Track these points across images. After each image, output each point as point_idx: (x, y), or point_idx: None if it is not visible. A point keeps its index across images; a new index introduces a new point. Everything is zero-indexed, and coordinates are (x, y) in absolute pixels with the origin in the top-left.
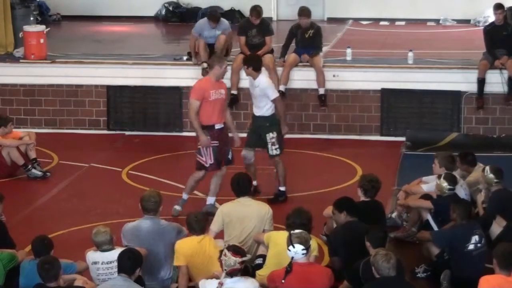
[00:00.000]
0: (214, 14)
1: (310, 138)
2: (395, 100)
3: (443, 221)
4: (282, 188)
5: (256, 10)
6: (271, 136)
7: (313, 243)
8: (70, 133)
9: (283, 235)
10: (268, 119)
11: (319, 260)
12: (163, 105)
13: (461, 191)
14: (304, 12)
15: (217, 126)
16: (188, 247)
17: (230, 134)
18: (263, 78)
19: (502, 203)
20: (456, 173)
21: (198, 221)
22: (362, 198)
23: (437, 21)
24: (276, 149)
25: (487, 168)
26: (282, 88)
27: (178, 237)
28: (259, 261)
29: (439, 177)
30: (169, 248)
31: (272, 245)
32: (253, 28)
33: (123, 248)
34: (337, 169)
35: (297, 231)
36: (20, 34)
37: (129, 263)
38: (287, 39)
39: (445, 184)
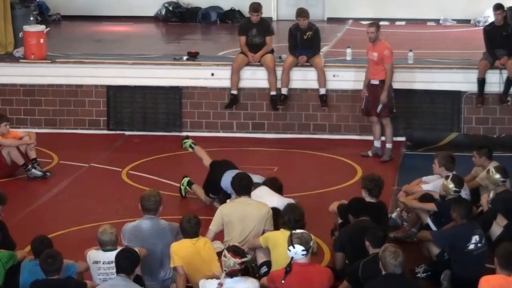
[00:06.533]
0: None
1: (310, 138)
2: (395, 100)
3: (446, 223)
4: None
5: (252, 6)
6: None
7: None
8: (70, 133)
9: (281, 234)
10: None
11: (319, 260)
12: (163, 105)
13: (462, 191)
14: (302, 13)
15: (372, 82)
16: (183, 249)
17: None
18: None
19: (507, 204)
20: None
21: (192, 226)
22: (368, 199)
23: (437, 21)
24: None
25: (492, 168)
26: (284, 91)
27: (177, 237)
28: (264, 269)
29: (446, 177)
30: (169, 248)
31: (276, 246)
32: (253, 28)
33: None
34: (337, 169)
35: (298, 231)
36: (20, 34)
37: (127, 262)
38: (290, 40)
39: (451, 186)
